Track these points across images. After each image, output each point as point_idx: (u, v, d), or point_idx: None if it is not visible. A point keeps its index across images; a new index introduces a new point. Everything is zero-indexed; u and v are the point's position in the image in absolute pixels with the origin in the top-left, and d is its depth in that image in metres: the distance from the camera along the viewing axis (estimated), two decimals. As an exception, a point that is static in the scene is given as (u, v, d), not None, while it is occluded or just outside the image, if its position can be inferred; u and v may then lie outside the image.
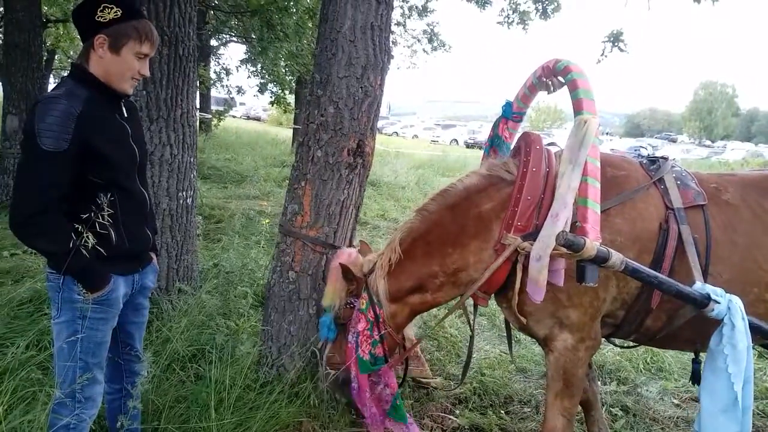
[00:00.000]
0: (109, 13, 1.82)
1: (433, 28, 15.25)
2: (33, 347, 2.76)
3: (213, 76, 16.47)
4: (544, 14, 9.06)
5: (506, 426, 3.02)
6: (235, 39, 15.79)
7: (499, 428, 2.97)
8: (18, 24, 6.44)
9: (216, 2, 12.19)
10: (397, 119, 58.90)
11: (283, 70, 13.42)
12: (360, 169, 2.84)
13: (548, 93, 2.38)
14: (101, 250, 1.82)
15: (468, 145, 36.02)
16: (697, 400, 2.18)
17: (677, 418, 3.24)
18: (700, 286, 1.86)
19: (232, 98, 18.78)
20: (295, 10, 10.29)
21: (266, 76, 14.24)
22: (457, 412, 3.11)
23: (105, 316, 1.92)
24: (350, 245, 2.90)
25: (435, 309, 4.36)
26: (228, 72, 16.91)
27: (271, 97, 14.46)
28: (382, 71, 2.77)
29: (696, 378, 2.18)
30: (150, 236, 2.14)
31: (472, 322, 2.56)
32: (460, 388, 3.26)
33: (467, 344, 2.66)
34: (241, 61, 15.73)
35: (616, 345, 2.83)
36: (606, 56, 7.64)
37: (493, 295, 2.34)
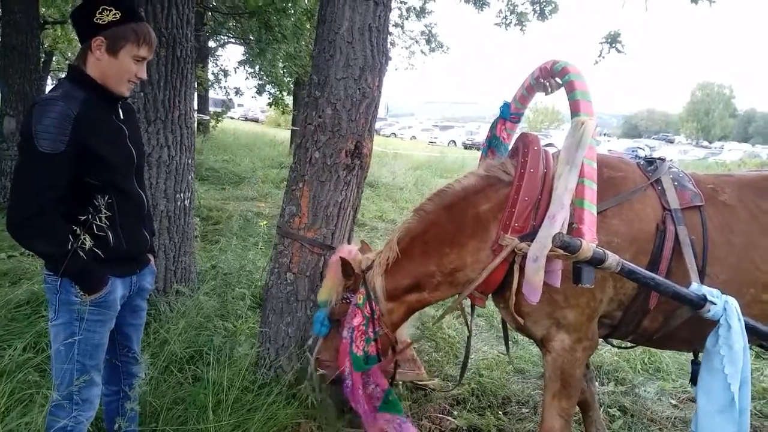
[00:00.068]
0: (107, 16, 1.82)
1: (431, 30, 15.29)
2: (30, 349, 2.76)
3: (211, 77, 16.49)
4: (542, 15, 9.10)
5: (504, 427, 3.02)
6: (233, 40, 15.80)
7: (497, 429, 2.97)
8: (15, 25, 6.44)
9: (214, 3, 12.20)
10: (395, 120, 58.95)
11: (281, 72, 13.43)
12: (358, 170, 2.84)
13: (546, 94, 2.38)
14: (99, 252, 1.81)
15: (466, 146, 36.04)
16: (694, 400, 2.19)
17: (675, 418, 3.24)
18: (696, 287, 1.86)
19: (230, 99, 18.82)
20: (293, 11, 10.30)
21: (264, 78, 14.25)
22: (455, 413, 3.11)
23: (102, 318, 1.92)
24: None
25: (432, 310, 4.39)
26: (226, 73, 16.95)
27: (269, 98, 14.48)
28: (380, 73, 2.78)
29: (695, 379, 2.18)
30: (148, 238, 2.14)
31: (469, 322, 2.56)
32: (458, 389, 3.26)
33: (465, 345, 2.66)
34: (239, 62, 15.76)
35: (613, 345, 2.83)
36: (603, 57, 7.66)
37: (490, 295, 2.35)
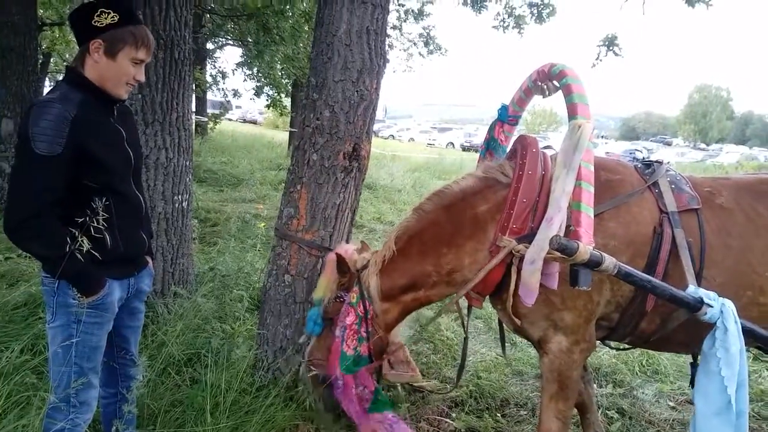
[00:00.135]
0: (105, 18, 1.82)
1: (429, 32, 15.34)
2: (28, 351, 2.75)
3: (209, 79, 16.48)
4: (540, 18, 9.12)
5: (502, 429, 3.02)
6: (231, 42, 15.80)
7: (495, 431, 2.97)
8: (13, 27, 6.43)
9: (212, 6, 12.20)
10: (394, 122, 58.99)
11: (279, 74, 13.45)
12: (356, 172, 2.84)
13: (543, 97, 2.39)
14: (96, 254, 1.81)
15: (464, 148, 36.09)
16: (692, 402, 2.19)
17: (673, 420, 3.25)
18: (693, 290, 1.87)
19: (228, 101, 18.81)
20: (291, 13, 10.31)
21: (262, 80, 14.27)
22: (454, 415, 3.12)
23: (100, 321, 1.92)
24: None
25: (430, 311, 4.39)
26: (224, 75, 16.93)
27: (267, 100, 14.48)
28: (378, 75, 2.78)
29: (694, 381, 2.19)
30: (145, 240, 2.13)
31: (466, 324, 2.56)
32: (456, 392, 3.26)
33: (462, 347, 2.66)
34: (237, 64, 15.79)
35: (611, 348, 2.84)
36: (601, 60, 7.71)
37: (488, 297, 2.35)
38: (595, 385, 3.43)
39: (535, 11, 9.12)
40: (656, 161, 2.39)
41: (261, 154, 15.56)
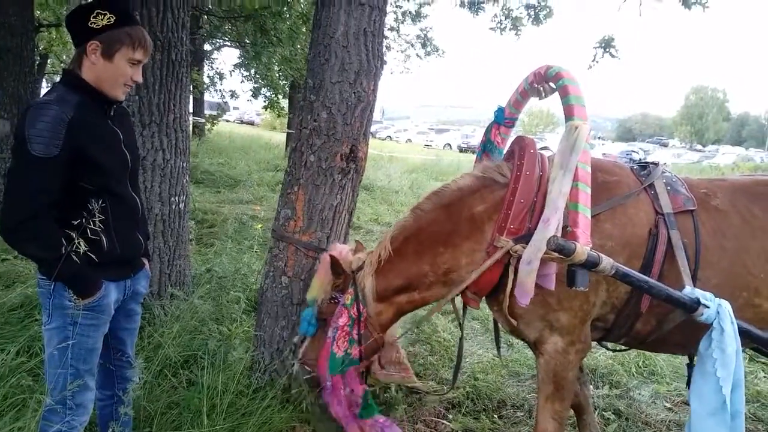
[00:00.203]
0: (102, 20, 1.82)
1: (426, 33, 15.33)
2: (24, 353, 2.74)
3: (206, 80, 16.45)
4: (536, 20, 9.13)
5: (499, 430, 3.03)
6: (228, 43, 15.77)
7: (491, 433, 2.97)
8: (10, 28, 6.41)
9: (210, 7, 12.18)
10: (391, 123, 59.07)
11: (277, 75, 13.43)
12: (353, 174, 2.84)
13: (540, 99, 2.40)
14: (92, 256, 1.81)
15: (461, 150, 36.13)
16: (689, 403, 2.20)
17: (669, 421, 3.25)
18: (689, 291, 1.88)
19: (226, 102, 18.77)
20: (288, 15, 10.31)
21: (260, 81, 14.25)
22: (450, 416, 3.12)
23: (96, 323, 1.92)
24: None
25: (425, 312, 4.39)
26: (221, 76, 16.89)
27: (264, 101, 14.47)
28: (375, 77, 2.79)
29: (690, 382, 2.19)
30: (142, 242, 2.13)
31: (461, 323, 2.56)
32: (453, 393, 3.26)
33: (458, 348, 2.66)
34: (234, 65, 15.75)
35: (608, 349, 2.84)
36: (597, 62, 7.73)
37: (484, 298, 2.35)
38: (591, 386, 3.43)
39: (532, 13, 9.13)
40: (652, 163, 2.40)
41: (258, 155, 15.55)
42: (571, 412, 2.66)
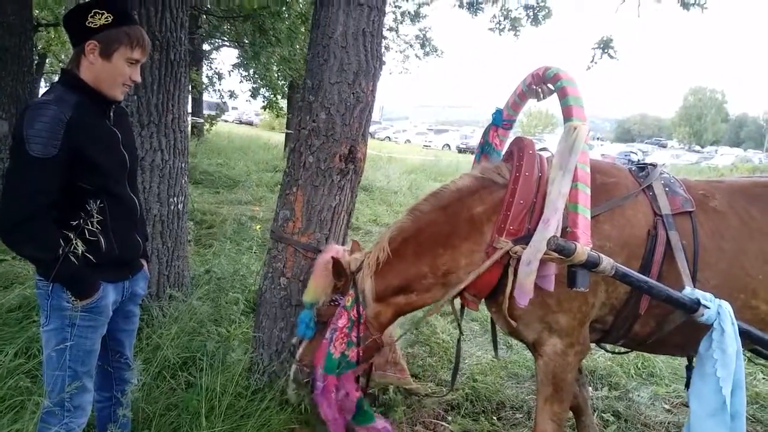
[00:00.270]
0: (99, 19, 1.82)
1: (425, 34, 15.33)
2: (22, 355, 2.73)
3: (205, 80, 16.44)
4: (535, 21, 9.14)
5: (498, 432, 3.02)
6: (227, 43, 15.76)
7: (490, 434, 2.97)
8: (9, 27, 6.40)
9: (208, 7, 12.18)
10: (390, 124, 59.13)
11: (276, 75, 13.42)
12: (352, 174, 2.84)
13: (538, 100, 2.39)
14: (90, 257, 1.80)
15: (460, 150, 36.18)
16: (688, 405, 2.20)
17: (668, 423, 3.25)
18: (689, 291, 1.87)
19: (225, 102, 18.75)
20: (287, 15, 10.29)
21: (258, 81, 14.23)
22: (450, 418, 3.11)
23: (94, 324, 1.91)
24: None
25: (423, 313, 4.38)
26: (220, 76, 16.87)
27: (263, 101, 14.45)
28: (374, 77, 2.78)
29: (690, 383, 2.19)
30: (140, 243, 2.13)
31: (460, 324, 2.56)
32: (451, 395, 3.26)
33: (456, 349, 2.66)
34: (233, 65, 15.73)
35: (607, 350, 2.84)
36: (596, 63, 7.74)
37: (483, 299, 2.34)
38: (590, 388, 3.43)
39: (531, 13, 9.14)
40: (650, 164, 2.40)
41: (257, 155, 15.54)
42: (570, 413, 2.66)
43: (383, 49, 2.90)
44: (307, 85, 2.78)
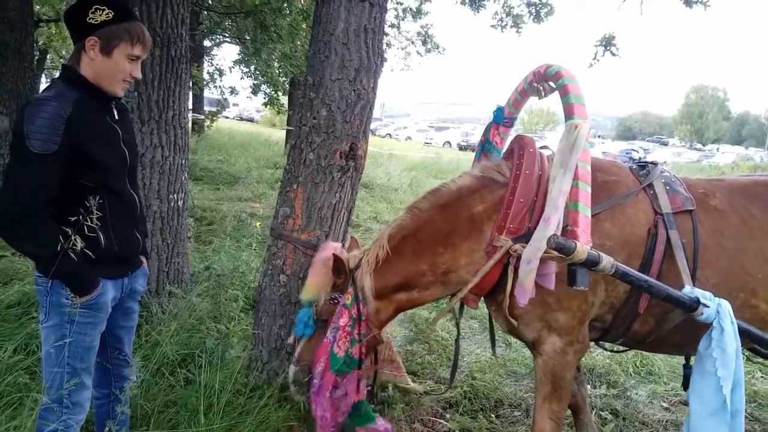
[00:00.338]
0: (100, 15, 1.81)
1: (427, 30, 15.29)
2: (21, 351, 2.73)
3: (206, 76, 16.42)
4: (538, 18, 9.11)
5: (496, 430, 3.02)
6: (228, 40, 15.75)
7: (489, 432, 2.97)
8: (10, 23, 6.39)
9: (210, 3, 12.16)
10: (391, 121, 59.10)
11: (277, 72, 13.41)
12: (352, 172, 2.83)
13: (539, 98, 2.39)
14: (90, 253, 1.80)
15: (461, 147, 36.13)
16: (686, 403, 2.21)
17: (666, 421, 3.26)
18: (689, 290, 1.87)
19: (225, 99, 18.72)
20: (288, 11, 10.28)
21: (259, 77, 14.21)
22: (448, 416, 3.12)
23: (93, 321, 1.91)
24: (342, 248, 2.89)
25: (425, 312, 4.39)
26: (221, 73, 16.87)
27: (264, 98, 14.43)
28: (375, 74, 2.78)
29: (687, 383, 2.18)
30: (140, 239, 2.12)
31: (458, 324, 2.55)
32: (450, 392, 3.26)
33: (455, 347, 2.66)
34: (234, 62, 15.70)
35: (606, 349, 2.84)
36: (598, 60, 7.72)
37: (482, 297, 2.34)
38: (588, 386, 3.43)
39: (534, 10, 9.11)
40: (651, 162, 2.40)
41: (258, 152, 15.53)
42: (569, 411, 2.66)
43: (384, 46, 2.88)
44: (308, 82, 2.78)
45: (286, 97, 15.54)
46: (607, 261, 1.76)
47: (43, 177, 1.72)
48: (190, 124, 4.84)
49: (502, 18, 9.60)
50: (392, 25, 14.62)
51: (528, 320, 2.19)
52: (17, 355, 2.63)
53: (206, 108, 17.17)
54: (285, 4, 9.97)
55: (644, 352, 3.83)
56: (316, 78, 2.72)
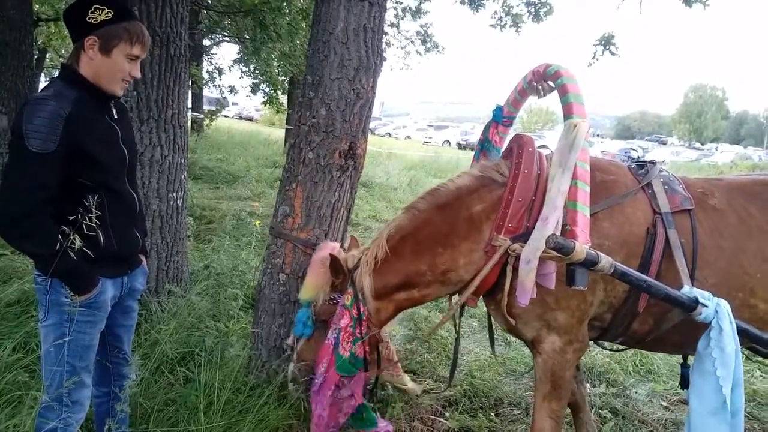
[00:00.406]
0: (100, 15, 1.81)
1: (426, 30, 15.29)
2: (20, 350, 2.74)
3: (205, 75, 16.41)
4: (537, 17, 9.12)
5: (496, 428, 3.03)
6: (227, 39, 15.74)
7: (488, 431, 2.98)
8: (9, 22, 6.38)
9: (209, 2, 12.15)
10: (390, 120, 59.14)
11: (276, 71, 13.39)
12: (351, 171, 2.84)
13: (538, 97, 2.39)
14: (89, 252, 1.80)
15: (460, 146, 36.15)
16: (685, 402, 2.22)
17: (666, 420, 3.26)
18: (687, 290, 1.87)
19: (225, 98, 18.73)
20: (288, 10, 10.28)
21: (259, 76, 14.20)
22: (447, 414, 3.12)
23: (92, 319, 1.91)
24: (341, 247, 2.89)
25: (425, 311, 4.39)
26: (220, 72, 16.84)
27: (263, 97, 14.42)
28: (375, 73, 2.78)
29: (685, 382, 2.19)
30: (139, 238, 2.12)
31: (458, 323, 2.56)
32: (450, 391, 3.26)
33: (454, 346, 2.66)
34: (233, 60, 15.68)
35: (605, 348, 2.85)
36: (597, 59, 7.73)
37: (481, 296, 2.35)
38: (588, 385, 3.43)
39: (533, 10, 9.12)
40: (649, 162, 2.40)
41: (257, 151, 15.51)
42: (568, 410, 2.66)
43: (384, 45, 2.88)
44: (307, 81, 2.78)
45: (286, 96, 15.53)
46: (605, 261, 1.76)
47: (42, 176, 1.72)
48: (189, 123, 4.84)
49: (501, 17, 9.61)
50: (392, 25, 14.62)
51: (527, 319, 2.20)
52: (16, 354, 2.64)
53: (205, 107, 17.15)
54: (284, 3, 9.97)
55: (644, 351, 3.84)
56: (315, 77, 2.72)
